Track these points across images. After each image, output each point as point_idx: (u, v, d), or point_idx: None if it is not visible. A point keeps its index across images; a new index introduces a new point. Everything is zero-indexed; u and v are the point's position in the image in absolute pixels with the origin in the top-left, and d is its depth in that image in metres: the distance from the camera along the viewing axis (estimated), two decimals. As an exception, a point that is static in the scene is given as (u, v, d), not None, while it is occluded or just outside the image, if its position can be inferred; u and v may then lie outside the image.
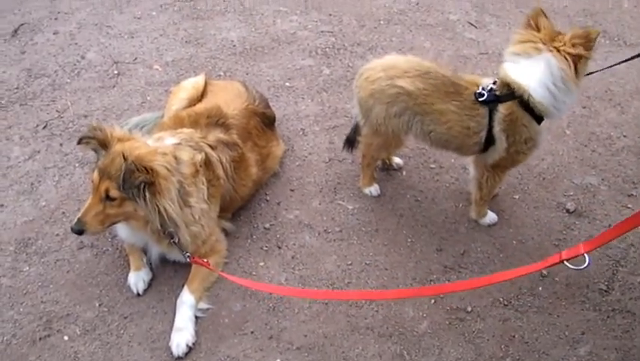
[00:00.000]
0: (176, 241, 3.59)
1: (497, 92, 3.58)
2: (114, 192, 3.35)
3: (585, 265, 2.71)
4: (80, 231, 3.44)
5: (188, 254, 3.61)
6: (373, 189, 4.42)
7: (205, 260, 3.63)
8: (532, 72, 3.47)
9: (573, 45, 3.38)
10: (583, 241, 4.04)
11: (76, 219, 3.43)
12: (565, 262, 2.71)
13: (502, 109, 3.57)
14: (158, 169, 3.40)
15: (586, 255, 2.67)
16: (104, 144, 3.44)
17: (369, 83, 3.82)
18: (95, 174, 3.41)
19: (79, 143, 3.53)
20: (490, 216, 4.22)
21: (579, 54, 3.39)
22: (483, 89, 3.61)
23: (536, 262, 3.92)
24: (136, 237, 3.76)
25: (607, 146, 4.86)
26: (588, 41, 3.38)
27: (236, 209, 4.25)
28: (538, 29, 3.50)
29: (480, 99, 3.60)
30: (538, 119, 3.57)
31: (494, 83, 3.62)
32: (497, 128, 3.62)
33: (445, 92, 3.66)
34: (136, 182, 3.29)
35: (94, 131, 3.46)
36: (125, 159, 3.29)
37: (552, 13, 6.29)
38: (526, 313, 3.74)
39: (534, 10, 3.54)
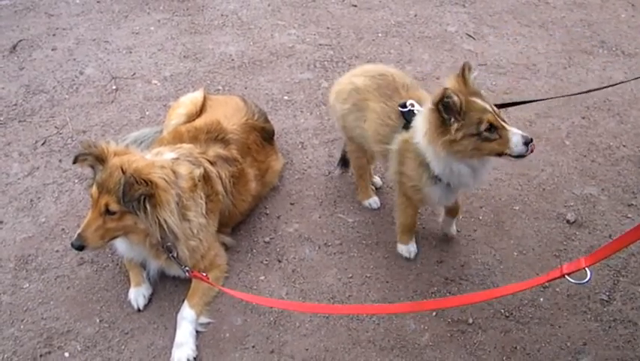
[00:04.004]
0: (175, 255, 3.59)
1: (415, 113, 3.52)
2: (114, 206, 3.35)
3: (586, 279, 2.69)
4: (80, 246, 3.42)
5: (187, 268, 3.60)
6: (372, 201, 4.40)
7: (204, 275, 3.63)
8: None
9: None
10: (584, 251, 4.07)
11: (76, 235, 3.41)
12: (566, 277, 2.69)
13: (405, 133, 3.53)
14: (157, 181, 3.40)
15: (587, 269, 2.65)
16: (100, 159, 3.44)
17: (335, 86, 3.99)
18: (94, 189, 3.40)
19: (75, 162, 3.52)
20: (408, 248, 4.09)
21: None
22: (411, 104, 3.56)
23: (537, 273, 3.97)
24: (135, 252, 3.75)
25: (606, 156, 4.86)
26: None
27: (236, 224, 4.25)
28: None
29: (401, 108, 3.57)
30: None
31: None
32: (394, 148, 3.59)
33: (382, 94, 3.68)
34: (136, 194, 3.28)
35: (89, 148, 3.46)
36: (123, 172, 3.29)
37: (550, 24, 6.36)
38: (528, 324, 3.73)
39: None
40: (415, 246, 4.08)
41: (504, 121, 3.20)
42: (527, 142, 3.12)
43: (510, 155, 3.18)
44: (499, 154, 3.21)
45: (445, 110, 3.12)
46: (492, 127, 3.13)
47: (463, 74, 3.28)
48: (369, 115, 3.72)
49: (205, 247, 3.76)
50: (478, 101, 3.20)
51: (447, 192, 3.57)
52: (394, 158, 3.62)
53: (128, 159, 3.46)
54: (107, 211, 3.38)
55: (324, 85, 5.58)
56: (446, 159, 3.27)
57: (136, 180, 3.28)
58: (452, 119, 3.14)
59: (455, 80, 3.30)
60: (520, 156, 3.18)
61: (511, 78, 5.76)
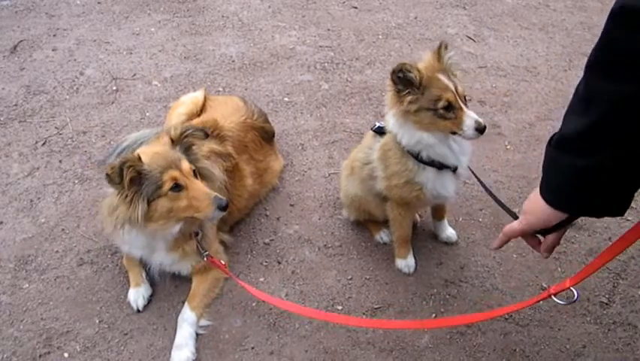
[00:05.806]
0: (200, 238, 3.65)
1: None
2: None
3: (574, 298, 2.71)
4: (227, 205, 3.46)
5: (206, 253, 3.65)
6: (384, 235, 4.23)
7: (223, 263, 3.71)
8: None
9: None
10: (583, 254, 4.06)
11: (218, 196, 3.42)
12: (553, 298, 2.72)
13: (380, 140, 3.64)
14: None
15: (573, 289, 2.67)
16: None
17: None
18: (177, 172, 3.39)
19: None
20: (407, 263, 4.05)
21: None
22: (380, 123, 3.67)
23: (536, 275, 3.98)
24: (149, 245, 3.67)
25: (606, 158, 4.85)
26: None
27: (235, 222, 4.26)
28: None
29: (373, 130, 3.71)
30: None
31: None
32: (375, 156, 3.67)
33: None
34: None
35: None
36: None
37: (550, 26, 6.36)
38: (527, 326, 3.73)
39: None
40: (413, 260, 4.03)
41: (464, 103, 3.29)
42: (480, 129, 3.21)
43: (462, 136, 3.29)
44: (454, 133, 3.31)
45: (401, 81, 3.21)
46: (450, 106, 3.22)
47: (439, 51, 3.36)
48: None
49: (210, 239, 3.81)
50: (443, 79, 3.26)
51: (441, 176, 3.51)
52: (379, 165, 3.63)
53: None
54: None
55: (324, 87, 5.59)
56: (406, 126, 3.35)
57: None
58: (407, 91, 3.23)
59: (431, 56, 3.37)
60: (469, 139, 3.35)
61: (511, 80, 5.76)
